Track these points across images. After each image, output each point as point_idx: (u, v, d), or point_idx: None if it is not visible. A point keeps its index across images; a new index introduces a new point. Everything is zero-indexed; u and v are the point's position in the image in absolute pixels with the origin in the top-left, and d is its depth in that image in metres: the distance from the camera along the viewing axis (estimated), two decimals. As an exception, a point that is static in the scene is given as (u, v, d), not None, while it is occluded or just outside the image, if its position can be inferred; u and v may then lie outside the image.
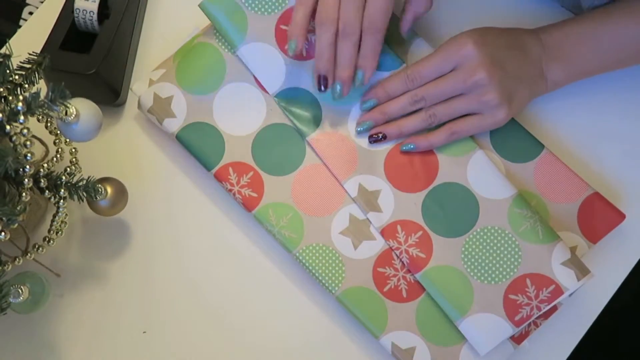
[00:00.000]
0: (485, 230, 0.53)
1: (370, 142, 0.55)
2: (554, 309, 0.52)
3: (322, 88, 0.54)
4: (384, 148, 0.55)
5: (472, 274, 0.52)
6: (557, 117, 0.59)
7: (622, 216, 0.54)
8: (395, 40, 0.58)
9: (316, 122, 0.55)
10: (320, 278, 0.53)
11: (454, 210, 0.53)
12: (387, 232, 0.53)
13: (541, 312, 0.51)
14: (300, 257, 0.54)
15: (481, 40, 0.53)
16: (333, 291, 0.53)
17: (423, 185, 0.54)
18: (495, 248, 0.53)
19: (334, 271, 0.53)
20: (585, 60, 0.55)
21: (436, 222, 0.53)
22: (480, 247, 0.53)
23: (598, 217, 0.54)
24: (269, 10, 0.56)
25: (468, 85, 0.52)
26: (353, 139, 0.55)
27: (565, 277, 0.51)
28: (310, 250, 0.54)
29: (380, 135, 0.55)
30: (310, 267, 0.53)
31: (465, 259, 0.53)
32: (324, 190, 0.55)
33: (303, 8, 0.52)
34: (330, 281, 0.53)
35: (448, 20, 0.62)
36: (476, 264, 0.52)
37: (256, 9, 0.56)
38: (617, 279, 0.55)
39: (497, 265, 0.52)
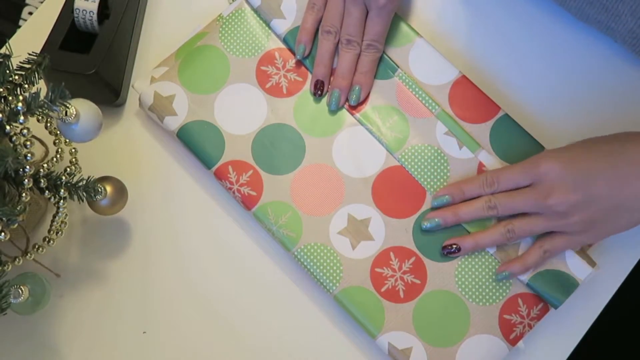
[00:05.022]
0: (477, 253, 0.53)
1: (443, 253, 0.53)
2: (545, 312, 0.52)
3: (319, 93, 0.56)
4: (371, 175, 0.55)
5: (467, 296, 0.53)
6: (557, 118, 0.59)
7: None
8: (396, 41, 0.58)
9: (300, 155, 0.56)
10: (318, 277, 0.53)
11: (445, 234, 0.54)
12: (380, 259, 0.53)
13: (532, 329, 0.52)
14: (299, 256, 0.54)
15: (566, 158, 0.49)
16: (331, 290, 0.53)
17: (412, 210, 0.54)
18: (487, 270, 0.53)
19: (331, 270, 0.53)
20: None
21: (428, 247, 0.54)
22: (473, 269, 0.53)
23: None
24: (250, 53, 0.58)
25: (541, 208, 0.49)
26: (338, 168, 0.55)
27: (579, 267, 0.52)
28: (309, 250, 0.54)
29: (455, 247, 0.52)
30: (309, 266, 0.54)
31: (459, 282, 0.53)
32: (322, 189, 0.55)
33: (312, 16, 0.57)
34: (328, 280, 0.53)
35: (450, 20, 0.62)
36: (470, 286, 0.53)
37: (237, 53, 0.57)
38: (617, 279, 0.55)
39: (491, 287, 0.53)
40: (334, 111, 0.56)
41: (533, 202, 0.50)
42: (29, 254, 0.50)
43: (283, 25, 0.58)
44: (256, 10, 0.59)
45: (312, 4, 0.57)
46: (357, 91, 0.56)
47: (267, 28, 0.58)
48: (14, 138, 0.45)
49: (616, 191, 0.48)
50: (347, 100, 0.56)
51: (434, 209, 0.54)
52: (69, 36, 0.57)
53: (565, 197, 0.48)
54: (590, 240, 0.51)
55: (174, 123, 0.56)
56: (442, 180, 0.55)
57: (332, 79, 0.57)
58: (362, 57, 0.56)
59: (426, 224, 0.53)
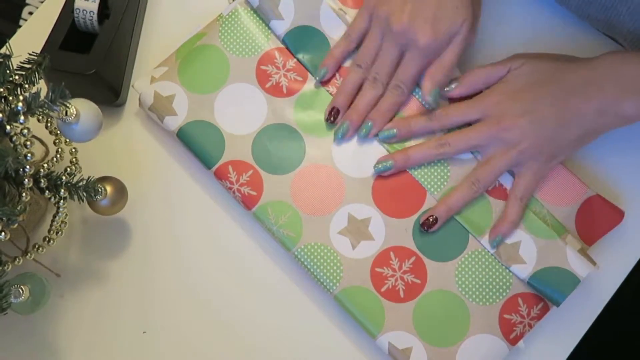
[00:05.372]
0: (477, 252, 0.53)
1: (424, 230, 0.53)
2: (545, 311, 0.52)
3: (331, 120, 0.56)
4: (371, 174, 0.55)
5: (467, 296, 0.53)
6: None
7: (620, 216, 0.54)
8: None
9: (300, 155, 0.56)
10: (318, 277, 0.53)
11: (445, 234, 0.54)
12: (381, 259, 0.53)
13: (532, 329, 0.52)
14: (299, 256, 0.54)
15: (510, 89, 0.51)
16: (331, 290, 0.53)
17: (412, 209, 0.54)
18: (487, 269, 0.53)
19: (332, 270, 0.53)
20: None
21: (428, 247, 0.54)
22: (473, 269, 0.53)
23: (596, 219, 0.54)
24: (250, 53, 0.57)
25: (495, 137, 0.51)
26: (338, 168, 0.55)
27: (580, 265, 0.52)
28: (309, 249, 0.54)
29: (432, 218, 0.53)
30: (309, 266, 0.54)
31: (459, 282, 0.53)
32: (323, 189, 0.55)
33: (345, 45, 0.56)
34: (328, 280, 0.53)
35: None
36: (470, 286, 0.53)
37: (237, 52, 0.57)
38: (617, 279, 0.55)
39: (491, 287, 0.53)
40: (338, 141, 0.56)
41: (487, 133, 0.51)
42: (29, 254, 0.50)
43: (282, 26, 0.57)
44: (255, 10, 0.59)
45: (347, 34, 0.56)
46: (368, 127, 0.55)
47: (266, 27, 0.58)
48: (14, 138, 0.45)
49: (560, 109, 0.50)
50: (355, 133, 0.56)
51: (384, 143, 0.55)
52: (69, 36, 0.57)
53: (515, 122, 0.50)
54: (549, 165, 0.52)
55: (174, 123, 0.56)
56: (442, 179, 0.55)
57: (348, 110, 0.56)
58: (386, 96, 0.55)
59: (378, 167, 0.54)
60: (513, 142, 0.51)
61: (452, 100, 0.55)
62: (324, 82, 0.57)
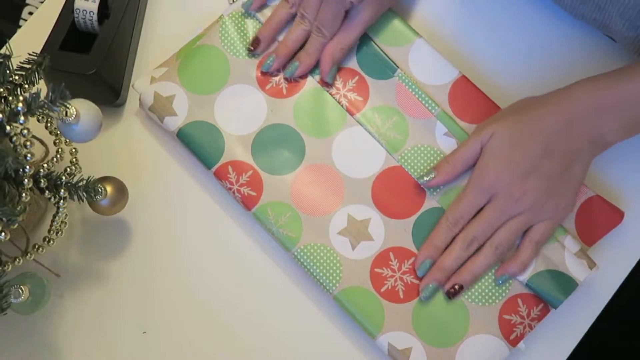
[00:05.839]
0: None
1: (449, 298, 0.52)
2: (546, 312, 0.52)
3: (253, 49, 0.57)
4: (371, 175, 0.55)
5: (466, 296, 0.52)
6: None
7: (620, 216, 0.54)
8: (395, 41, 0.58)
9: (300, 155, 0.56)
10: (317, 277, 0.53)
11: None
12: (380, 260, 0.53)
13: (533, 330, 0.52)
14: (299, 256, 0.54)
15: (502, 159, 0.51)
16: (330, 291, 0.53)
17: (412, 210, 0.54)
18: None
19: (331, 271, 0.53)
20: None
21: None
22: None
23: (596, 219, 0.54)
24: (250, 54, 0.58)
25: (513, 210, 0.51)
26: (337, 168, 0.55)
27: (578, 268, 0.52)
28: (309, 250, 0.54)
29: (457, 286, 0.52)
30: (308, 267, 0.54)
31: None
32: (322, 190, 0.55)
33: None
34: (327, 281, 0.53)
35: (449, 20, 0.62)
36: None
37: (237, 54, 0.58)
38: (617, 279, 0.55)
39: (491, 287, 0.53)
40: (264, 72, 0.57)
41: (505, 212, 0.51)
42: (29, 254, 0.50)
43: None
44: (253, 15, 0.59)
45: None
46: (294, 67, 0.57)
47: None
48: (14, 138, 0.45)
49: (556, 155, 0.50)
50: (282, 69, 0.57)
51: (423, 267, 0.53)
52: (69, 36, 0.57)
53: (525, 187, 0.50)
54: (567, 209, 0.52)
55: (174, 123, 0.56)
56: None
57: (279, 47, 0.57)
58: (311, 37, 0.57)
59: (425, 294, 0.52)
60: (531, 205, 0.51)
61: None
62: (326, 85, 0.57)
